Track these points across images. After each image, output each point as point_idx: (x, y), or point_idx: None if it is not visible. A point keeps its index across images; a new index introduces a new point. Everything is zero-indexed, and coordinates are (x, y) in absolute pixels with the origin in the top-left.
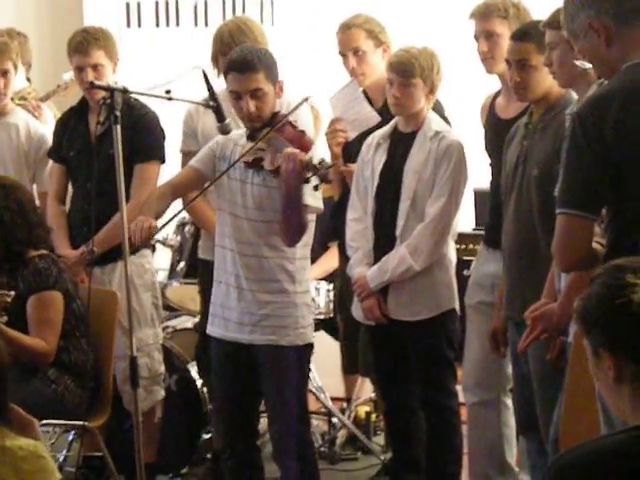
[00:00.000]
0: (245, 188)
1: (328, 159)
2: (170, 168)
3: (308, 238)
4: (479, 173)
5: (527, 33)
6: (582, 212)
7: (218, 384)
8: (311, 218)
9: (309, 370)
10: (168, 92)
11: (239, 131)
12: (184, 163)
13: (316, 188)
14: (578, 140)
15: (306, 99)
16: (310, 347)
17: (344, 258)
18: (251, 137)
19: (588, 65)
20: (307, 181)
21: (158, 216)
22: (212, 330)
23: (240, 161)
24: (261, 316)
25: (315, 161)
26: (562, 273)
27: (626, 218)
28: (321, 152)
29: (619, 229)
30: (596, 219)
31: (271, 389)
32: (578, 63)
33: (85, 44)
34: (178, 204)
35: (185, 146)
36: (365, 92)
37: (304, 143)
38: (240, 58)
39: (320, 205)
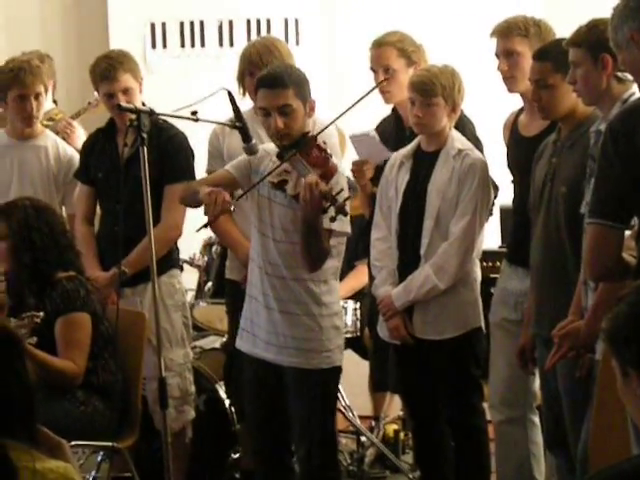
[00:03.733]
0: (272, 207)
1: (348, 187)
2: None
3: (336, 261)
4: (505, 190)
5: (544, 52)
6: (611, 222)
7: (248, 403)
8: (339, 241)
9: (336, 393)
10: (194, 113)
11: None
12: None
13: (333, 220)
14: (608, 151)
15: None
16: (337, 370)
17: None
18: (280, 156)
19: (629, 77)
20: (325, 211)
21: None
22: (240, 344)
23: (265, 180)
24: (286, 338)
25: (334, 192)
26: (589, 291)
27: None
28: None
29: None
30: (625, 228)
31: (296, 412)
32: (619, 74)
33: (112, 70)
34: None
35: (210, 167)
36: (395, 109)
37: (328, 169)
38: (270, 74)
39: (347, 229)
